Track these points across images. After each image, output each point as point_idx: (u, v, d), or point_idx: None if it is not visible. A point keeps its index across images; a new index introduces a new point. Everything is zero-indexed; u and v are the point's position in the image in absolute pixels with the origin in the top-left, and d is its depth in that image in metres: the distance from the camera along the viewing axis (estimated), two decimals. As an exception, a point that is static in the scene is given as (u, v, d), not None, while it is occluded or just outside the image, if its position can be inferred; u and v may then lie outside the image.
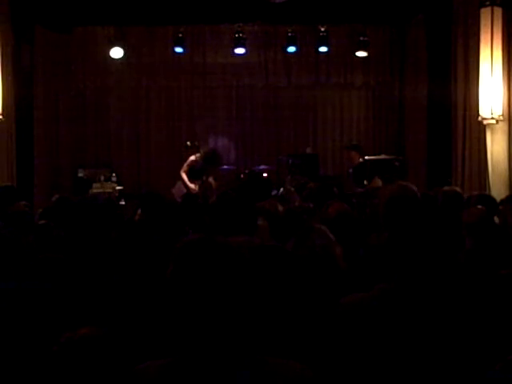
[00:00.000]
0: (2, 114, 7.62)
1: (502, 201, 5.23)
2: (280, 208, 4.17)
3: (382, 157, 9.63)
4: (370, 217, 4.06)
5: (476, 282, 2.52)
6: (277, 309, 1.99)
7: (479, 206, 3.67)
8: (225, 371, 1.34)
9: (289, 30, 10.15)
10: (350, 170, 8.76)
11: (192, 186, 7.88)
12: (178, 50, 10.11)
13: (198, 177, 7.95)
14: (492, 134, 7.14)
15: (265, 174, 9.14)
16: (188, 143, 8.22)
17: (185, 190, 7.71)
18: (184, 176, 7.92)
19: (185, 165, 7.98)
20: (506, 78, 7.06)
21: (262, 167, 9.43)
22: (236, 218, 3.20)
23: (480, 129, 7.42)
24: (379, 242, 2.80)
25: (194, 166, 7.93)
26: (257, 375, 1.35)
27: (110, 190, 8.86)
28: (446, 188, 5.25)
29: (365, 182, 8.13)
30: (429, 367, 1.80)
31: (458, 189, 5.23)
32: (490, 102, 7.04)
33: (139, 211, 5.67)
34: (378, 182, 7.86)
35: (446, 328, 1.86)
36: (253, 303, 1.40)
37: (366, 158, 9.49)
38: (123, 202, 8.60)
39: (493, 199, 5.29)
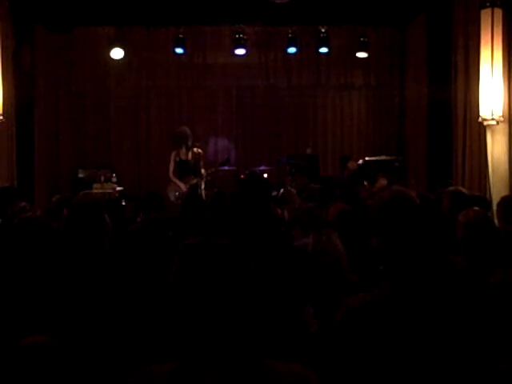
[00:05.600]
0: (2, 115, 7.61)
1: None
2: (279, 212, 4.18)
3: (382, 157, 9.64)
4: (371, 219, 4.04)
5: (472, 285, 2.52)
6: (280, 310, 1.99)
7: (476, 208, 3.65)
8: (227, 375, 1.34)
9: (289, 31, 10.16)
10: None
11: (182, 184, 7.87)
12: (179, 50, 10.11)
13: (187, 171, 7.94)
14: (492, 134, 7.13)
15: (265, 175, 9.14)
16: (189, 143, 8.21)
17: (179, 190, 7.75)
18: (173, 178, 7.92)
19: (170, 166, 7.99)
20: (506, 78, 7.05)
21: (262, 168, 9.43)
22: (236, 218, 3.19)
23: (480, 130, 7.41)
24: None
25: (179, 160, 7.95)
26: (259, 379, 1.35)
27: (110, 191, 8.85)
28: (451, 188, 5.21)
29: (365, 183, 8.12)
30: (437, 369, 1.80)
31: (463, 189, 5.20)
32: (490, 102, 7.04)
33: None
34: (383, 182, 7.82)
35: (451, 331, 1.86)
36: (256, 305, 1.39)
37: (367, 158, 9.50)
38: (123, 203, 8.60)
39: (485, 200, 5.27)
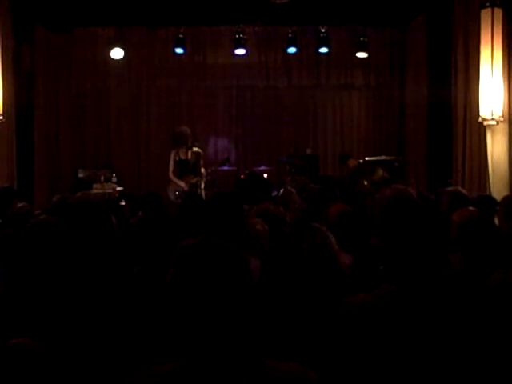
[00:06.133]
0: (2, 115, 7.61)
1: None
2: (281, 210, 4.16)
3: (382, 157, 9.65)
4: (371, 217, 4.03)
5: (470, 285, 2.51)
6: (280, 311, 1.99)
7: (470, 208, 3.63)
8: (226, 375, 1.34)
9: (289, 31, 10.17)
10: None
11: (182, 183, 7.87)
12: (179, 50, 10.12)
13: (186, 170, 7.93)
14: (492, 134, 7.14)
15: (265, 175, 9.14)
16: (188, 143, 8.19)
17: (179, 189, 7.75)
18: (173, 177, 7.92)
19: (170, 165, 7.99)
20: (506, 78, 7.05)
21: (262, 168, 9.43)
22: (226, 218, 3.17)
23: (480, 130, 7.41)
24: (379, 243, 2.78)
25: (178, 160, 7.95)
26: (258, 379, 1.35)
27: (110, 191, 8.85)
28: (449, 188, 5.21)
29: (365, 183, 8.12)
30: (438, 370, 1.81)
31: (462, 190, 5.19)
32: (490, 102, 7.04)
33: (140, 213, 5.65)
34: (380, 172, 7.84)
35: (451, 331, 1.86)
36: (255, 305, 1.39)
37: (367, 158, 9.50)
38: (123, 203, 8.60)
39: (493, 200, 5.26)
